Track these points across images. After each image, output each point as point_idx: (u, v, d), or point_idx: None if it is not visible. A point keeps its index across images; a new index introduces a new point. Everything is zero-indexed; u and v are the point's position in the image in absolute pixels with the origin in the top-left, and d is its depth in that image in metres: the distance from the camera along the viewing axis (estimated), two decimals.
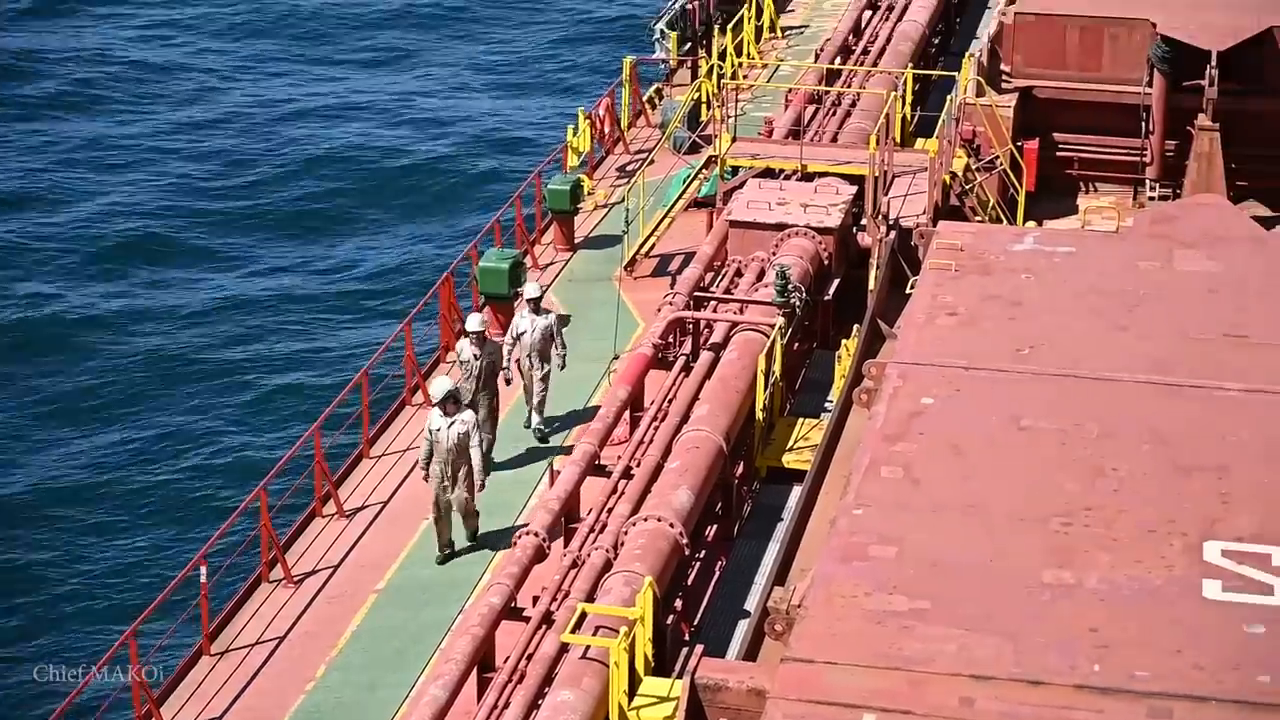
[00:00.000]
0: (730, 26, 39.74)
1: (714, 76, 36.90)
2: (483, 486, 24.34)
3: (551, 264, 33.43)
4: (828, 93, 34.63)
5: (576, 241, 34.19)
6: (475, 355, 26.21)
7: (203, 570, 22.83)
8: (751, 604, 21.17)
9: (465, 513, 24.52)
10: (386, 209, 51.00)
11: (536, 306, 27.21)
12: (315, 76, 61.55)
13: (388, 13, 67.38)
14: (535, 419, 27.35)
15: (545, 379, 27.18)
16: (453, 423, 24.09)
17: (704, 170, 32.53)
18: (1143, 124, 33.06)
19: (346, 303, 45.13)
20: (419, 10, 67.63)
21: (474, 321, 26.54)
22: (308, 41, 64.89)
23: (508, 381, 26.92)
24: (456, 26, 66.49)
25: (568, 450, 25.31)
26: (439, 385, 24.42)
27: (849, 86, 35.07)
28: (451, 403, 24.22)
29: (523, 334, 27.04)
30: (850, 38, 38.18)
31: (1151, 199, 32.67)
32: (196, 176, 52.71)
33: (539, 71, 62.03)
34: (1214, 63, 31.73)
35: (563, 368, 27.31)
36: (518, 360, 27.10)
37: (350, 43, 64.57)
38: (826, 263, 28.19)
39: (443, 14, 67.52)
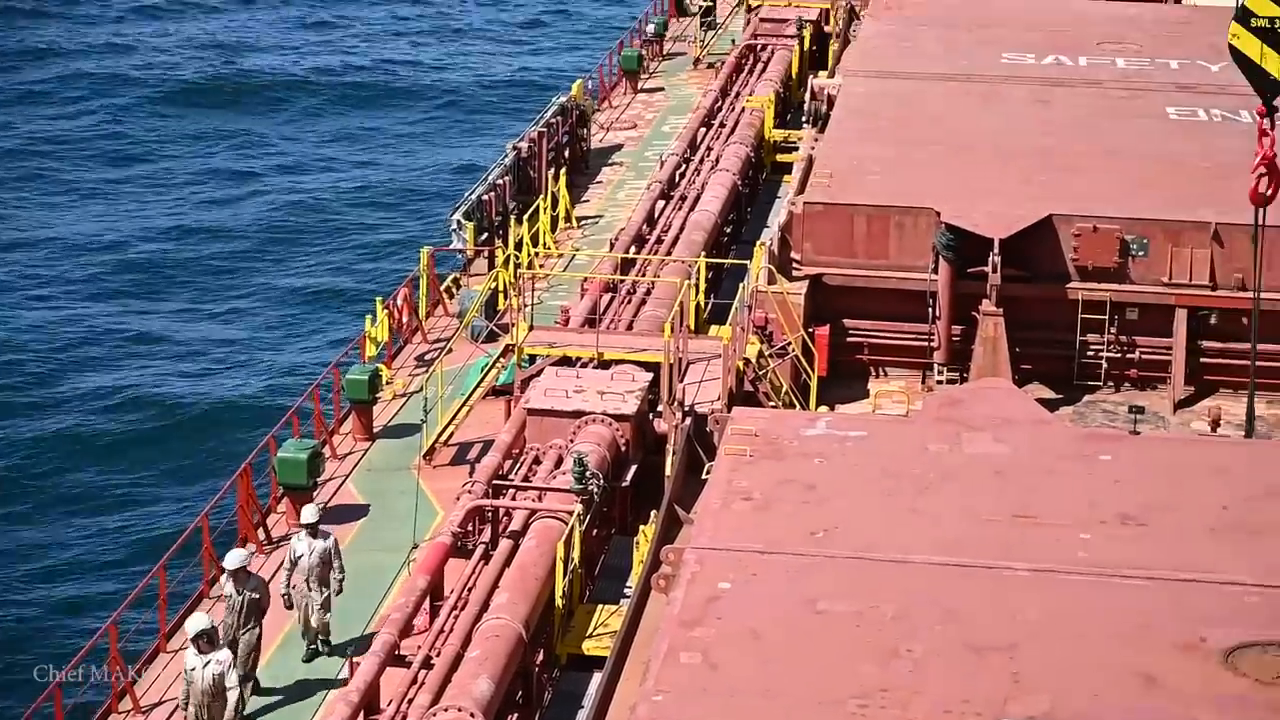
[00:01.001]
0: (526, 216, 40.20)
1: (511, 266, 37.25)
2: None
3: (350, 453, 33.31)
4: (623, 281, 35.08)
5: (375, 431, 34.12)
6: (237, 590, 25.15)
7: None
8: None
9: None
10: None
11: (314, 530, 26.31)
12: (87, 311, 58.41)
13: (166, 249, 63.76)
14: (316, 644, 26.34)
15: (325, 604, 26.19)
16: (208, 662, 23.00)
17: (501, 359, 32.73)
18: (930, 310, 33.67)
19: (132, 543, 43.12)
20: (205, 248, 63.96)
21: (232, 559, 25.36)
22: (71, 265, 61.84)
23: (288, 605, 26.21)
24: (254, 252, 63.43)
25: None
26: (193, 622, 23.31)
27: (644, 275, 35.55)
28: (205, 641, 23.09)
29: (300, 558, 26.16)
30: (644, 227, 38.73)
31: (940, 383, 33.20)
32: None
33: (335, 286, 60.62)
34: (997, 250, 32.53)
35: (339, 592, 26.30)
36: (294, 586, 26.13)
37: (120, 280, 60.95)
38: (624, 449, 28.43)
39: (246, 240, 64.59)
